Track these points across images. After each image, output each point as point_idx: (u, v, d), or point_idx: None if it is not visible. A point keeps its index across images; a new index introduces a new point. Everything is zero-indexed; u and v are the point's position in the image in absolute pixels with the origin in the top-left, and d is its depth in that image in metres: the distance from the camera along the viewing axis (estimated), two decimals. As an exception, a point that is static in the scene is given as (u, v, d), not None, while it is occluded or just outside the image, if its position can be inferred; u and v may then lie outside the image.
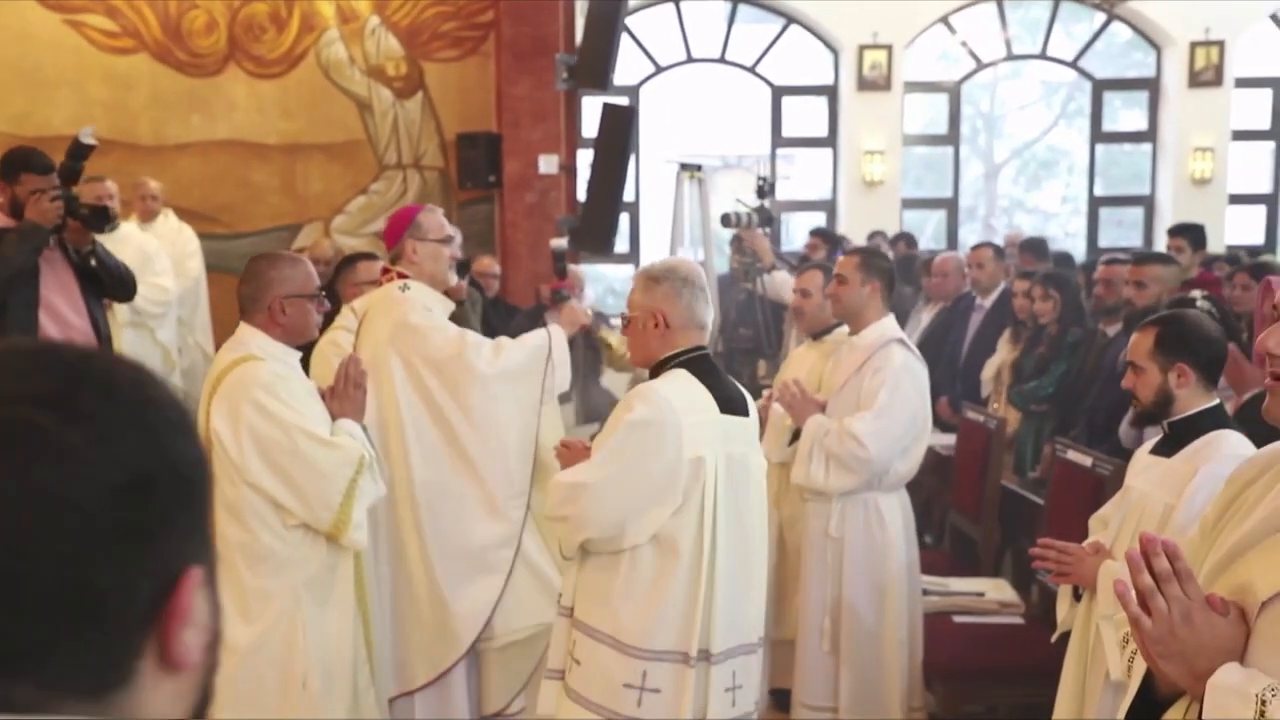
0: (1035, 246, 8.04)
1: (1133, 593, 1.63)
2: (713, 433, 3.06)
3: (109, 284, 4.84)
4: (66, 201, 4.55)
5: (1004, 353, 6.31)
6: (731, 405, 3.14)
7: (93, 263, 4.74)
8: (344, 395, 3.42)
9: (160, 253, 6.87)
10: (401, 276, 3.94)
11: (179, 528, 0.79)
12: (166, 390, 0.81)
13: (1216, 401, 3.02)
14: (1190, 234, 6.60)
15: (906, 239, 9.79)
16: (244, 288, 3.36)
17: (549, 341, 3.94)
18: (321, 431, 3.31)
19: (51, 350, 0.80)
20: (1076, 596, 3.15)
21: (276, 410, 3.25)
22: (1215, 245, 9.57)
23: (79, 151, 4.77)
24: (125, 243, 5.37)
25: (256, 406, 3.23)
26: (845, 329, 4.40)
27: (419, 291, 3.91)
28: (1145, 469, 3.09)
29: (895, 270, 4.42)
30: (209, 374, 3.44)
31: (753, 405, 3.27)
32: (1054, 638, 3.26)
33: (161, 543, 0.78)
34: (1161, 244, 9.89)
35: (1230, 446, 2.87)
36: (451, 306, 4.07)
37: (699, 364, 3.12)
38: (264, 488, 3.23)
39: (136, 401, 0.78)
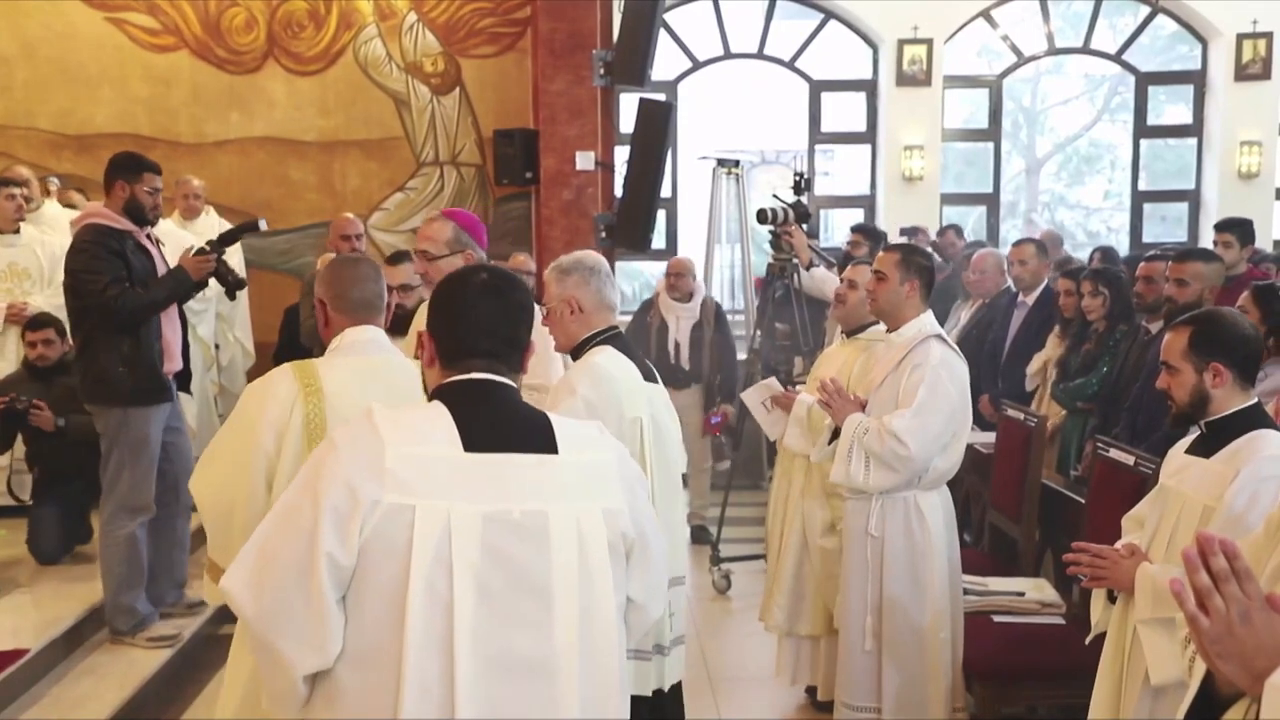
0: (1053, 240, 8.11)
1: (1189, 591, 1.58)
2: (641, 398, 3.41)
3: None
4: (218, 269, 5.13)
5: (1051, 349, 6.23)
6: (650, 375, 3.53)
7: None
8: None
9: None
10: None
11: (528, 326, 2.20)
12: (515, 275, 2.24)
13: (1255, 400, 2.96)
14: (1239, 229, 6.45)
15: (955, 230, 9.74)
16: None
17: None
18: None
19: (481, 266, 2.51)
20: (1111, 598, 3.10)
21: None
22: (1263, 241, 9.41)
23: (248, 229, 5.49)
24: (165, 239, 5.40)
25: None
26: (881, 327, 4.36)
27: None
28: (1181, 469, 3.03)
29: (934, 269, 4.37)
30: None
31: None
32: (1089, 639, 3.23)
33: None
34: (1206, 239, 9.73)
35: (1271, 447, 2.82)
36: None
37: (618, 340, 3.48)
38: None
39: (510, 280, 2.17)
